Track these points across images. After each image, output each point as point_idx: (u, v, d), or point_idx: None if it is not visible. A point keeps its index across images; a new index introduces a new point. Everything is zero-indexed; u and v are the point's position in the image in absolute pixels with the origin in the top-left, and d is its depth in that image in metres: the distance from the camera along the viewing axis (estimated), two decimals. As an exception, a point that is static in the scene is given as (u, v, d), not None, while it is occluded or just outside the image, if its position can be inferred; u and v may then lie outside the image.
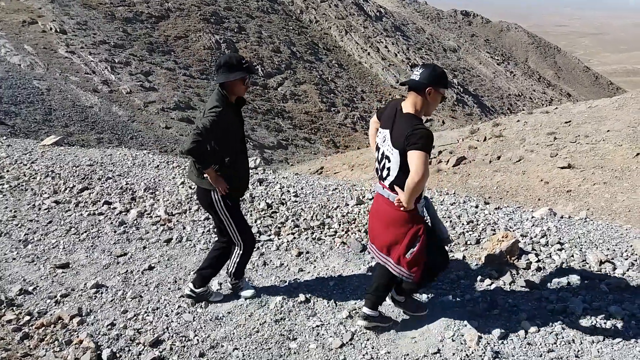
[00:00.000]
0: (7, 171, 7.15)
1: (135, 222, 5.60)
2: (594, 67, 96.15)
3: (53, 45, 28.16)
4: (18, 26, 29.11)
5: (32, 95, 21.55)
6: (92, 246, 5.03)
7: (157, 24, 36.80)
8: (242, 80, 3.55)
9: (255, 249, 4.97)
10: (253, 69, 3.68)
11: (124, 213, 5.84)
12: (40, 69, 24.69)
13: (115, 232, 5.34)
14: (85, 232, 5.33)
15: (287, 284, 4.35)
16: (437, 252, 3.40)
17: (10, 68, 23.44)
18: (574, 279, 4.18)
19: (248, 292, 4.09)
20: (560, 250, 4.72)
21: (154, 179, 6.96)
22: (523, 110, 38.58)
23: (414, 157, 2.96)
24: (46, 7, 32.27)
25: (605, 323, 3.61)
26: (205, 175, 3.62)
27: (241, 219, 3.85)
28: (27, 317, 3.83)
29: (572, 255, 4.60)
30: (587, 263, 4.49)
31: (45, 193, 6.37)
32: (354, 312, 3.88)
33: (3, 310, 3.88)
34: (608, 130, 14.21)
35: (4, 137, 10.51)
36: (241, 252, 3.91)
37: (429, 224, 3.38)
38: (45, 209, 5.87)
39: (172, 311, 3.94)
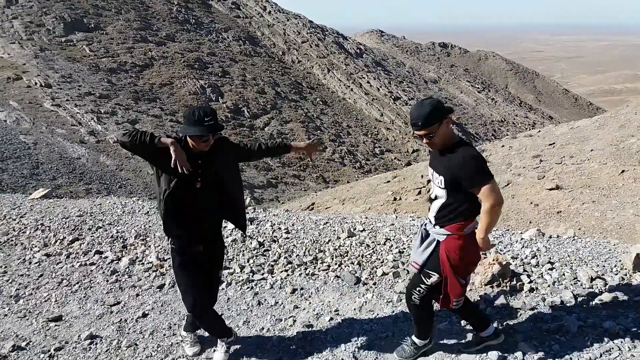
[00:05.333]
0: (-4, 227, 7.11)
1: (127, 270, 5.57)
2: (573, 89, 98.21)
3: (38, 99, 28.37)
4: (3, 82, 29.36)
5: (18, 150, 21.56)
6: (84, 297, 4.99)
7: (141, 72, 37.31)
8: (200, 137, 3.30)
9: (249, 289, 4.96)
10: (215, 127, 3.32)
11: (115, 262, 5.81)
12: (26, 123, 24.78)
13: (107, 281, 5.30)
14: (77, 283, 5.29)
15: (282, 321, 4.33)
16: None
17: (-4, 125, 23.50)
18: (567, 297, 4.22)
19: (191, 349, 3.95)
20: (551, 269, 4.76)
21: (144, 226, 6.95)
22: (507, 135, 39.18)
23: None
24: (30, 63, 32.66)
25: (601, 339, 3.63)
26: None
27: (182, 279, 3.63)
28: (21, 374, 3.77)
29: (564, 274, 4.65)
30: (579, 280, 4.53)
31: (36, 247, 6.33)
32: (354, 346, 3.86)
33: (-4, 368, 3.82)
34: (592, 150, 14.45)
35: (-8, 194, 10.47)
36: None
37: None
38: (36, 263, 5.83)
39: (166, 357, 3.90)
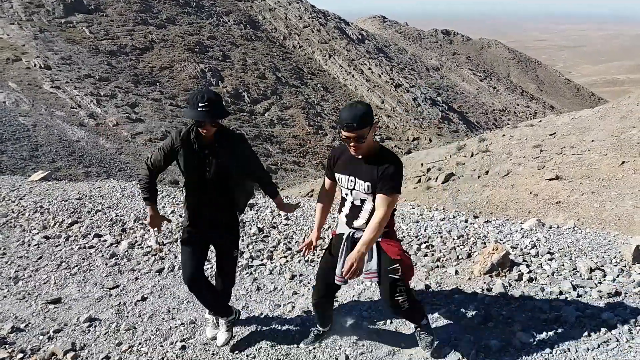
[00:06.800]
0: (-5, 209, 7.10)
1: (126, 253, 5.57)
2: (575, 79, 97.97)
3: (38, 81, 28.23)
4: (2, 64, 29.20)
5: (17, 132, 21.50)
6: (83, 280, 4.99)
7: (141, 55, 37.09)
8: (197, 123, 3.25)
9: (248, 274, 4.97)
10: (210, 115, 3.17)
11: (114, 245, 5.81)
12: (25, 105, 24.68)
13: (106, 264, 5.30)
14: (77, 265, 5.29)
15: (281, 307, 4.34)
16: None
17: (-5, 106, 23.41)
18: (566, 287, 4.22)
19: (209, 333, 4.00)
20: (550, 260, 4.76)
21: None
22: (508, 124, 39.12)
23: None
24: (30, 44, 32.44)
25: (599, 330, 3.64)
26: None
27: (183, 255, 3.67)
28: (20, 355, 3.77)
29: (563, 265, 4.65)
30: (578, 271, 4.54)
31: (35, 229, 6.32)
32: (349, 332, 3.87)
33: (-5, 349, 3.83)
34: (592, 141, 14.43)
35: (-9, 175, 10.45)
36: None
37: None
38: (35, 245, 5.83)
39: (165, 340, 3.91)
